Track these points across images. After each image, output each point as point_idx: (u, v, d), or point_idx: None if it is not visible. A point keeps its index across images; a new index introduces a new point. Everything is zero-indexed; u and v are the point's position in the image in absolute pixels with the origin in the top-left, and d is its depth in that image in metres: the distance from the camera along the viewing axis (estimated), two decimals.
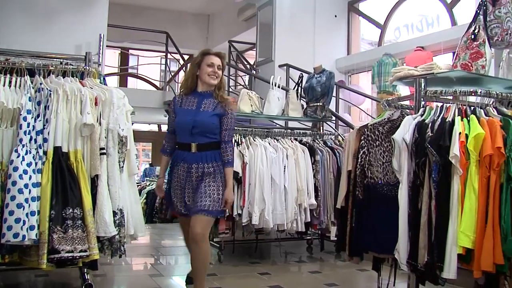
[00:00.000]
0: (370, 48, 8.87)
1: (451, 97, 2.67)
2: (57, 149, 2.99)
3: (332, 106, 6.35)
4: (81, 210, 2.97)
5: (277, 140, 4.74)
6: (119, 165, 3.22)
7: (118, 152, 3.22)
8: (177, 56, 9.91)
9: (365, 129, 2.90)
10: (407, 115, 2.78)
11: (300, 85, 5.20)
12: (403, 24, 7.92)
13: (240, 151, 4.42)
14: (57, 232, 2.84)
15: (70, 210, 2.93)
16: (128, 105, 3.43)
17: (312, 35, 8.37)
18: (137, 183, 9.95)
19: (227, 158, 3.26)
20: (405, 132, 2.50)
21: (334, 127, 6.14)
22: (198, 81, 3.34)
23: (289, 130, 5.15)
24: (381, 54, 7.24)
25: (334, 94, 6.37)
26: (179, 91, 3.53)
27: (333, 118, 5.72)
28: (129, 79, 13.29)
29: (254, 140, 4.60)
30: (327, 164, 4.76)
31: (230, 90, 9.55)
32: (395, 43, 7.92)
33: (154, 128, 15.34)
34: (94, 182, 3.10)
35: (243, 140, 4.60)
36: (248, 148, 4.48)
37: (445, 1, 7.05)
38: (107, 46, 7.10)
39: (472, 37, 3.11)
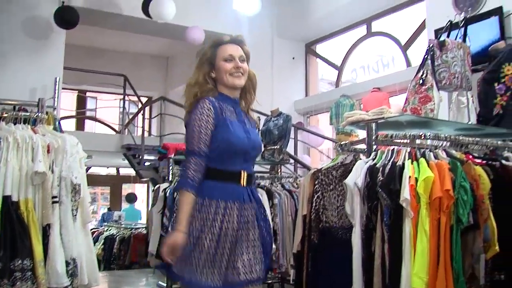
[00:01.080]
0: (330, 88, 9.06)
1: (407, 140, 2.73)
2: (6, 199, 2.91)
3: (291, 148, 6.42)
4: (31, 261, 2.87)
5: None
6: (72, 213, 3.15)
7: (71, 200, 3.16)
8: (136, 99, 9.90)
9: (319, 174, 2.93)
10: (360, 159, 2.83)
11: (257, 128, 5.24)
12: (360, 66, 8.14)
13: None
14: (4, 286, 2.73)
15: (19, 262, 2.83)
16: (82, 152, 3.39)
17: (270, 77, 8.49)
18: (94, 228, 9.76)
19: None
20: (357, 177, 2.54)
21: (293, 170, 6.19)
22: (220, 86, 2.44)
23: None
24: (339, 95, 7.38)
25: (292, 136, 6.45)
26: (188, 97, 2.44)
27: (291, 160, 5.77)
28: (87, 122, 13.14)
29: None
30: (285, 207, 4.76)
31: None
32: (352, 84, 8.11)
33: (113, 171, 15.13)
34: (46, 231, 3.01)
35: None
36: None
37: (400, 43, 7.29)
38: (64, 88, 7.04)
39: (421, 82, 3.22)
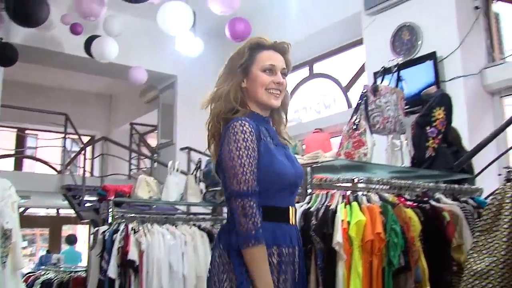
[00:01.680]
0: None
1: (340, 184, 2.79)
2: None
3: None
4: None
5: (176, 226, 4.68)
6: (2, 260, 3.04)
7: (1, 247, 3.05)
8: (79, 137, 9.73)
9: None
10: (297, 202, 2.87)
11: (199, 169, 5.24)
12: (303, 106, 8.29)
13: (136, 239, 4.31)
14: None
15: None
16: (15, 195, 3.30)
17: None
18: (31, 272, 9.35)
19: None
20: None
21: None
22: (249, 101, 2.03)
23: (188, 216, 5.11)
24: None
25: None
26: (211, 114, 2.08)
27: None
28: (26, 161, 12.74)
29: (152, 227, 4.51)
30: None
31: (131, 174, 9.42)
32: (295, 125, 8.24)
33: (53, 212, 14.64)
34: None
35: (140, 227, 4.50)
36: (145, 236, 4.38)
37: (341, 85, 7.50)
38: (1, 126, 6.85)
39: (354, 126, 3.32)
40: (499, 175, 2.27)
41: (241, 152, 1.82)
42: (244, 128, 1.85)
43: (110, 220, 5.15)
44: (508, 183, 2.09)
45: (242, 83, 2.01)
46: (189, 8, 5.32)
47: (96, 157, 9.77)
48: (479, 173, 4.00)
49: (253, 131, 1.87)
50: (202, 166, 5.28)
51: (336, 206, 2.52)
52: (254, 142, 1.86)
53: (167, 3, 5.33)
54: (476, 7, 5.43)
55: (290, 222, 1.97)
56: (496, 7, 5.71)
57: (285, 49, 2.09)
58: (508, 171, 2.11)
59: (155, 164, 8.38)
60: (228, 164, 1.84)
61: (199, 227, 4.82)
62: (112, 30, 6.54)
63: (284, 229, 1.93)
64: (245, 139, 1.84)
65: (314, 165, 2.81)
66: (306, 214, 2.55)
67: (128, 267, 4.07)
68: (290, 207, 1.98)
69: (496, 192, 2.14)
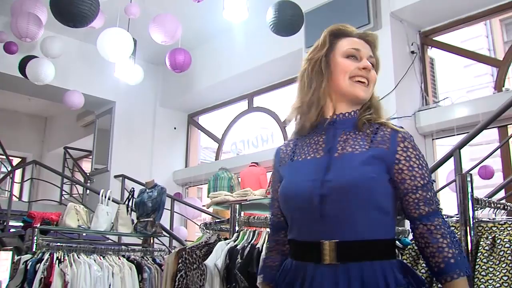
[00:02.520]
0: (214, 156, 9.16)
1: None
2: None
3: (167, 219, 6.33)
4: None
5: (104, 257, 4.55)
6: None
7: None
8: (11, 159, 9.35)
9: (183, 252, 2.91)
10: (224, 239, 2.85)
11: (131, 199, 5.14)
12: (240, 139, 8.32)
13: (61, 269, 4.15)
14: None
15: None
16: None
17: (150, 146, 8.44)
18: None
19: (448, 256, 1.45)
20: (217, 258, 2.55)
21: (168, 242, 6.08)
22: (330, 97, 1.64)
23: (116, 247, 4.98)
24: (218, 168, 7.46)
25: (169, 207, 6.38)
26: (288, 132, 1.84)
27: (164, 233, 5.67)
28: None
29: (78, 257, 4.36)
30: (155, 282, 4.63)
31: (62, 201, 9.12)
32: (232, 158, 8.25)
33: None
34: None
35: (66, 257, 4.34)
36: (71, 266, 4.23)
37: (279, 119, 7.59)
38: None
39: None
40: None
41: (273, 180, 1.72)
42: (275, 153, 1.78)
43: (34, 248, 4.96)
44: None
45: (324, 78, 1.62)
46: (130, 36, 5.27)
47: (26, 180, 9.41)
48: None
49: (276, 155, 1.75)
50: (135, 196, 5.18)
51: (262, 245, 2.52)
52: (273, 167, 1.74)
53: (107, 29, 5.26)
54: (412, 52, 5.67)
55: (323, 260, 1.45)
56: (431, 52, 5.99)
57: (373, 41, 1.71)
58: None
59: (88, 191, 8.15)
60: None
61: (128, 258, 4.70)
62: (50, 52, 6.38)
63: (305, 270, 1.48)
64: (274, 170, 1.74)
65: (243, 202, 2.81)
66: (232, 252, 2.53)
67: None
68: (323, 241, 1.46)
69: None
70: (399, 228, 3.31)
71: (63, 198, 9.46)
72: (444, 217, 1.53)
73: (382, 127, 1.59)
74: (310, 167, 1.56)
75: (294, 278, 1.51)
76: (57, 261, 4.19)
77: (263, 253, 2.43)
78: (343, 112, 1.63)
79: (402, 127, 1.61)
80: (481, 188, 5.09)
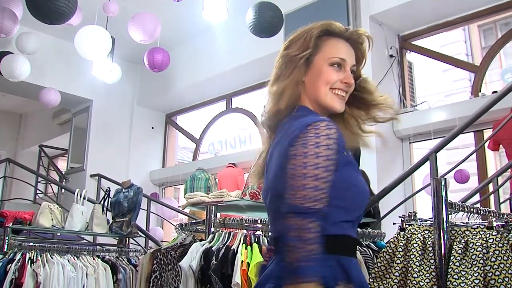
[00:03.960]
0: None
1: (246, 224, 2.77)
2: None
3: (143, 220, 6.28)
4: None
5: (78, 257, 4.48)
6: None
7: None
8: None
9: (158, 253, 2.88)
10: (200, 240, 2.83)
11: (107, 199, 5.08)
12: (218, 140, 8.29)
13: (33, 270, 4.08)
14: None
15: None
16: None
17: (127, 145, 8.37)
18: None
19: None
20: (192, 259, 2.52)
21: (144, 243, 6.02)
22: (306, 99, 1.61)
23: (91, 247, 4.91)
24: (195, 168, 7.42)
25: (145, 207, 6.32)
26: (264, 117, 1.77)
27: (140, 233, 5.62)
28: None
29: (52, 258, 4.29)
30: (130, 283, 4.58)
31: (36, 200, 8.98)
32: (209, 158, 8.22)
33: None
34: None
35: (39, 257, 4.27)
36: (43, 266, 4.16)
37: (257, 121, 7.56)
38: None
39: None
40: (394, 224, 2.34)
41: (321, 162, 1.36)
42: (331, 133, 1.40)
43: (5, 248, 4.87)
44: (402, 232, 2.16)
45: (303, 78, 1.59)
46: (108, 34, 5.22)
47: None
48: (383, 217, 4.12)
49: (338, 139, 1.42)
50: (111, 195, 5.12)
51: (237, 247, 2.50)
52: (336, 154, 1.40)
53: (85, 27, 5.19)
54: (391, 56, 5.72)
55: (355, 257, 1.52)
56: (409, 56, 6.04)
57: (360, 41, 1.66)
58: (402, 221, 2.18)
59: (63, 190, 8.04)
60: (298, 171, 1.36)
61: (102, 258, 4.65)
62: (26, 48, 6.27)
63: (357, 267, 1.48)
64: (329, 147, 1.38)
65: (219, 204, 2.79)
66: (207, 254, 2.51)
67: None
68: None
69: (390, 240, 2.20)
70: (375, 231, 3.33)
71: (37, 197, 9.31)
72: None
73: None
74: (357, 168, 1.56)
75: (360, 274, 1.47)
76: (29, 261, 4.12)
77: (238, 255, 2.42)
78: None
79: None
80: (456, 192, 5.15)
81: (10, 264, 4.03)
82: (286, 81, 1.58)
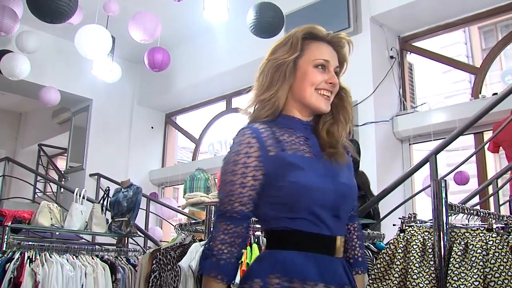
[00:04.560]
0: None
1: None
2: None
3: (142, 219, 6.27)
4: None
5: (77, 257, 4.48)
6: None
7: None
8: None
9: (158, 253, 2.88)
10: (199, 240, 2.82)
11: (106, 198, 5.07)
12: (217, 140, 8.28)
13: (32, 269, 4.07)
14: None
15: None
16: None
17: (127, 145, 8.36)
18: None
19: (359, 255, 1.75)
20: (191, 259, 2.52)
21: (143, 243, 6.02)
22: (290, 99, 1.66)
23: (90, 246, 4.91)
24: (194, 168, 7.40)
25: (145, 207, 6.32)
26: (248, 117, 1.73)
27: (139, 233, 5.62)
28: None
29: (51, 257, 4.28)
30: (129, 283, 4.57)
31: (35, 199, 8.98)
32: (209, 158, 8.21)
33: None
34: None
35: (38, 256, 4.26)
36: (42, 266, 4.15)
37: None
38: None
39: None
40: (394, 225, 2.33)
41: (230, 168, 1.54)
42: (243, 140, 1.55)
43: (4, 247, 4.86)
44: (402, 234, 2.16)
45: (293, 80, 1.63)
46: (108, 33, 5.22)
47: None
48: (383, 218, 4.12)
49: (254, 142, 1.54)
50: (110, 195, 5.12)
51: None
52: (251, 157, 1.53)
53: (85, 26, 5.19)
54: (391, 57, 5.71)
55: (335, 253, 1.56)
56: (410, 58, 6.04)
57: (341, 44, 1.70)
58: (402, 222, 2.18)
59: (62, 189, 8.03)
60: (220, 178, 1.59)
61: (101, 258, 4.64)
62: (26, 47, 6.28)
63: (322, 261, 1.52)
64: (238, 154, 1.54)
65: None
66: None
67: None
68: (337, 236, 1.57)
69: (390, 242, 2.20)
70: (374, 232, 3.33)
71: (36, 196, 9.31)
72: None
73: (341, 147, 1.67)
74: (319, 165, 1.58)
75: (307, 269, 1.49)
76: (28, 260, 4.11)
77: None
78: (308, 119, 1.68)
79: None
80: (456, 194, 5.16)
81: (9, 263, 4.02)
82: (280, 86, 1.63)
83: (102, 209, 4.97)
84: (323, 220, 1.52)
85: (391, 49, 5.73)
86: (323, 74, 1.63)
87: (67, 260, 4.33)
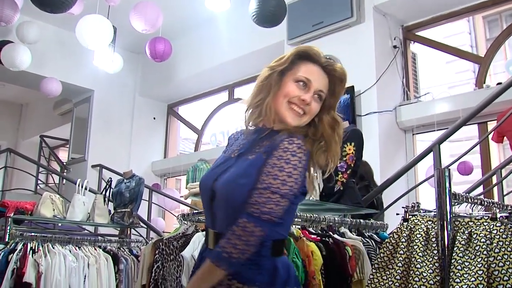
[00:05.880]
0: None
1: None
2: None
3: (144, 210, 6.27)
4: None
5: (79, 247, 4.48)
6: None
7: None
8: None
9: (160, 243, 2.87)
10: (202, 230, 2.81)
11: (108, 189, 5.07)
12: (220, 131, 8.27)
13: (35, 259, 4.08)
14: None
15: None
16: None
17: (129, 136, 8.35)
18: None
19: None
20: (194, 249, 2.52)
21: (145, 233, 6.02)
22: (272, 111, 1.72)
23: (93, 237, 4.91)
24: (197, 159, 7.40)
25: (147, 198, 6.31)
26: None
27: (141, 224, 5.62)
28: None
29: (53, 248, 4.28)
30: (131, 273, 4.58)
31: (38, 190, 8.99)
32: (211, 149, 8.20)
33: None
34: None
35: (40, 247, 4.26)
36: (45, 257, 4.16)
37: None
38: None
39: None
40: (397, 214, 2.32)
41: None
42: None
43: (7, 238, 4.86)
44: (405, 223, 2.14)
45: (273, 91, 1.72)
46: (109, 23, 5.18)
47: None
48: (386, 208, 4.11)
49: (229, 141, 1.90)
50: (113, 186, 5.12)
51: None
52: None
53: (86, 16, 5.16)
54: (395, 46, 5.67)
55: (209, 245, 1.70)
56: (413, 47, 6.00)
57: (334, 72, 1.74)
58: (405, 211, 2.16)
59: (64, 181, 8.03)
60: None
61: (104, 249, 4.64)
62: (27, 37, 6.25)
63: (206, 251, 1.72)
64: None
65: None
66: None
67: None
68: (210, 230, 1.70)
69: (394, 231, 2.18)
70: (377, 222, 3.31)
71: (38, 187, 9.32)
72: (254, 220, 1.53)
73: (277, 136, 1.66)
74: (220, 164, 1.73)
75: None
76: (31, 251, 4.12)
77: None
78: (278, 129, 1.71)
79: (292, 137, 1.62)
80: (459, 184, 5.13)
81: (12, 254, 4.02)
82: (265, 95, 1.72)
83: (104, 200, 4.96)
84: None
85: (395, 39, 5.69)
86: (300, 90, 1.69)
87: (70, 251, 4.34)
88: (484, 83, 5.26)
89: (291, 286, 1.64)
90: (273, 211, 1.52)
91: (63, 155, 10.62)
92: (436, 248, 2.04)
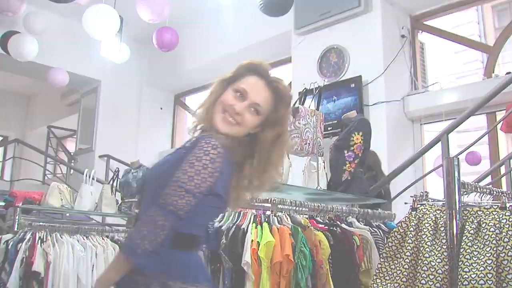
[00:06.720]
0: None
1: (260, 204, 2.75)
2: None
3: None
4: None
5: (87, 237, 4.50)
6: None
7: None
8: None
9: None
10: None
11: (116, 179, 5.07)
12: None
13: (44, 249, 4.09)
14: None
15: None
16: None
17: (136, 126, 8.35)
18: None
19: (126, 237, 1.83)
20: None
21: None
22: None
23: (100, 227, 4.93)
24: None
25: None
26: None
27: None
28: None
29: (61, 237, 4.30)
30: None
31: (45, 180, 9.02)
32: None
33: None
34: None
35: (49, 237, 4.28)
36: (53, 246, 4.17)
37: None
38: None
39: None
40: (406, 203, 2.31)
41: None
42: None
43: (16, 228, 4.89)
44: (413, 212, 2.13)
45: (218, 98, 1.78)
46: (116, 13, 5.17)
47: (8, 159, 9.27)
48: (394, 198, 4.10)
49: None
50: (120, 176, 5.12)
51: (247, 226, 2.49)
52: None
53: (93, 6, 5.15)
54: (402, 36, 5.63)
55: None
56: (421, 37, 5.95)
57: (276, 87, 1.79)
58: (414, 200, 2.15)
59: (71, 171, 8.06)
60: None
61: (111, 238, 4.66)
62: (33, 28, 6.25)
63: None
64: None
65: None
66: (217, 233, 2.49)
67: (32, 280, 3.85)
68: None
69: (402, 220, 2.17)
70: (385, 212, 3.31)
71: (46, 177, 9.36)
72: (159, 209, 1.57)
73: (200, 135, 1.74)
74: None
75: None
76: (40, 241, 4.13)
77: (248, 234, 2.40)
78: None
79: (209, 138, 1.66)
80: (467, 175, 5.09)
81: (21, 244, 4.05)
82: (208, 100, 1.80)
83: (112, 190, 4.97)
84: None
85: (403, 28, 5.64)
86: (235, 100, 1.74)
87: (78, 241, 4.35)
88: (493, 72, 5.21)
89: (202, 282, 1.67)
90: (177, 204, 1.56)
91: (70, 145, 10.65)
92: (444, 237, 2.03)
